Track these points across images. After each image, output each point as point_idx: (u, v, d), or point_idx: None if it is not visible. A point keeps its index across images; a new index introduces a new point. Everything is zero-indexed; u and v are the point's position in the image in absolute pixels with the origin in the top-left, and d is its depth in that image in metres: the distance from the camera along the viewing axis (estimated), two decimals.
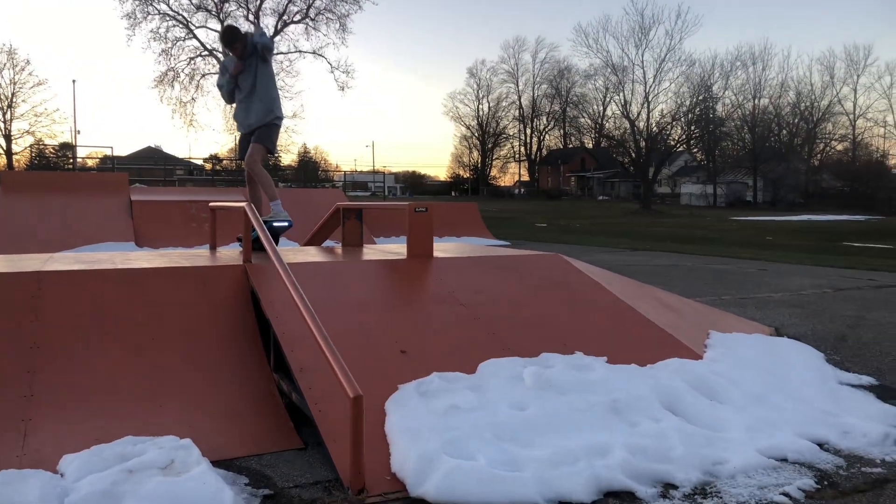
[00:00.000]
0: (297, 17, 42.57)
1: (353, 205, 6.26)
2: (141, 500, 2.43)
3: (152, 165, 51.05)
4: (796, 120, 69.37)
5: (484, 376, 3.58)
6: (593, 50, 61.86)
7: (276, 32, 42.19)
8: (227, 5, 41.85)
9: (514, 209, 44.40)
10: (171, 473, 2.62)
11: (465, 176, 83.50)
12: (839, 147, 70.29)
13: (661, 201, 62.42)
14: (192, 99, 42.40)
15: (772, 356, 4.47)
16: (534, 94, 78.46)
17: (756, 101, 66.65)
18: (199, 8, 41.43)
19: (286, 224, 5.90)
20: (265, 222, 5.64)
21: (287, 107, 42.08)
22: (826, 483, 2.85)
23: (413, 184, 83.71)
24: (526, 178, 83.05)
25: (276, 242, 5.61)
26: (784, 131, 69.93)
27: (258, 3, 42.65)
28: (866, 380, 4.39)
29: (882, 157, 69.48)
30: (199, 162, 53.68)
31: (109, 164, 40.15)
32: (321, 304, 4.03)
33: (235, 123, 6.15)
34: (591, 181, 79.17)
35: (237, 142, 6.71)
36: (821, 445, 3.21)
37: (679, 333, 4.52)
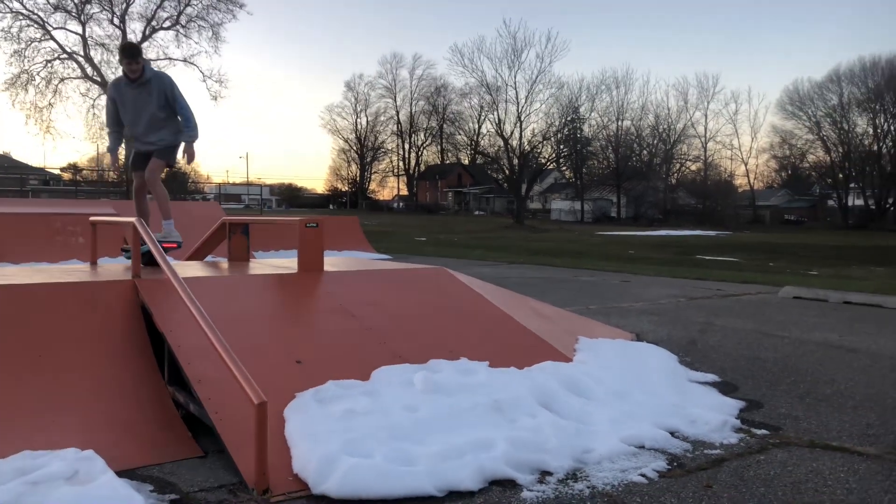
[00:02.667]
0: (167, 24, 40.94)
1: (240, 219, 6.32)
2: None
3: (1, 174, 47.30)
4: (655, 141, 74.36)
5: (377, 382, 3.83)
6: (468, 69, 63.71)
7: (144, 38, 40.32)
8: (88, 6, 39.68)
9: (394, 223, 44.79)
10: (76, 483, 2.69)
11: (343, 189, 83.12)
12: (693, 167, 75.98)
13: (533, 216, 64.95)
14: (50, 104, 39.83)
15: (632, 358, 4.99)
16: (411, 109, 79.53)
17: (619, 122, 70.95)
18: (56, 8, 38.98)
19: (177, 244, 5.89)
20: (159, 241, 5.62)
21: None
22: (675, 464, 3.32)
23: (289, 196, 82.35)
24: (405, 192, 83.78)
25: None
26: (644, 151, 74.76)
27: (123, 6, 40.73)
28: (711, 377, 5.00)
29: (729, 177, 75.80)
30: (56, 171, 50.31)
31: None
32: (216, 317, 4.12)
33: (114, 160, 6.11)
34: (467, 196, 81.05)
35: (128, 153, 6.45)
36: (672, 433, 3.69)
37: (552, 339, 4.96)
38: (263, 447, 2.91)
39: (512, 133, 53.85)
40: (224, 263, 6.17)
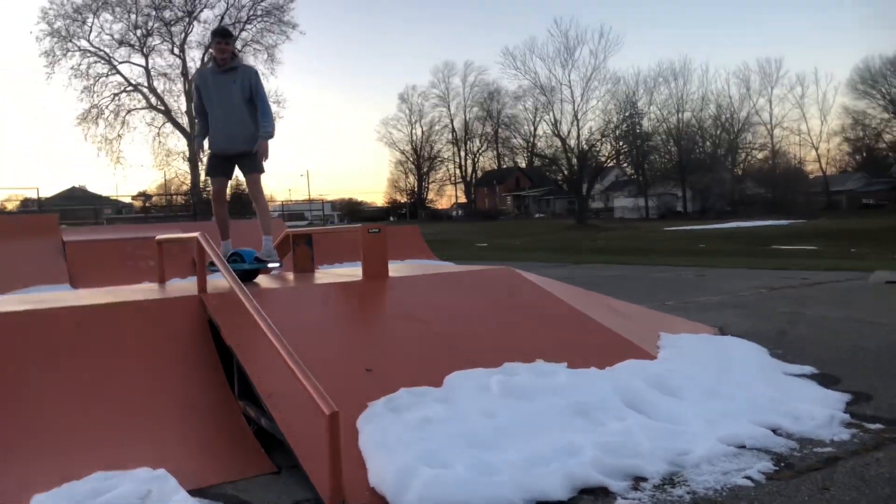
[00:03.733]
0: None
1: (303, 231, 6.26)
2: None
3: (77, 206, 49.35)
4: (718, 131, 72.25)
5: (451, 388, 3.65)
6: (521, 72, 63.20)
7: (203, 66, 41.66)
8: (150, 39, 41.17)
9: (454, 230, 44.73)
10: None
11: (402, 200, 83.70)
12: (760, 156, 73.47)
13: (596, 216, 63.91)
14: (119, 136, 41.46)
15: (719, 353, 4.68)
16: (465, 117, 79.54)
17: (679, 114, 69.18)
18: (121, 43, 40.61)
19: (278, 265, 5.78)
20: (258, 259, 5.55)
21: None
22: (783, 465, 3.02)
23: (350, 211, 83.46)
24: (463, 199, 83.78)
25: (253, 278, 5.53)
26: (708, 143, 72.70)
27: (183, 36, 42.11)
28: (808, 369, 4.63)
29: (799, 163, 73.00)
30: (128, 200, 52.21)
31: (32, 206, 38.72)
32: (283, 328, 4.02)
33: (211, 141, 5.71)
34: (526, 200, 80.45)
35: (207, 160, 6.09)
36: (774, 431, 3.38)
37: (632, 336, 4.69)
38: (337, 460, 2.77)
39: (569, 132, 53.22)
40: (289, 275, 6.11)
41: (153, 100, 42.09)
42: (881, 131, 67.22)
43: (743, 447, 3.21)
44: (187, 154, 41.70)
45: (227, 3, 41.80)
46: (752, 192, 69.03)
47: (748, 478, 2.87)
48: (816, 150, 73.02)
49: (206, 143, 5.79)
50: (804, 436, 3.35)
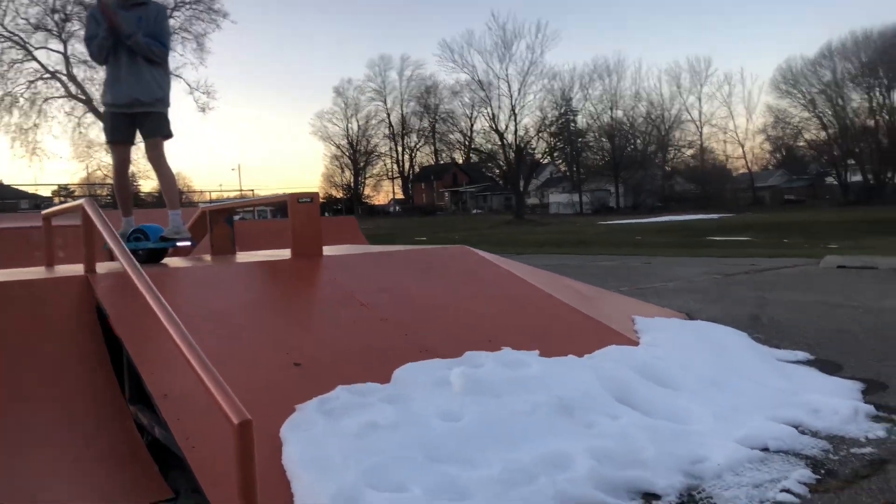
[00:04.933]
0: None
1: (222, 205, 5.41)
2: None
3: None
4: (650, 129, 73.38)
5: (402, 385, 2.92)
6: (459, 65, 62.40)
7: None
8: (69, 25, 38.67)
9: (393, 225, 43.84)
10: None
11: (338, 196, 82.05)
12: (689, 153, 74.96)
13: (532, 211, 63.97)
14: (35, 125, 38.83)
15: (704, 338, 4.09)
16: (402, 111, 78.46)
17: (613, 111, 69.93)
18: (37, 28, 37.99)
19: (189, 243, 4.82)
20: (165, 238, 4.64)
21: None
22: (823, 472, 2.41)
23: (284, 206, 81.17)
24: (400, 195, 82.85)
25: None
26: (639, 140, 73.78)
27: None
28: (802, 355, 4.11)
29: (725, 160, 74.92)
30: (48, 194, 49.18)
31: None
32: (193, 314, 3.25)
33: (110, 96, 4.62)
34: (464, 195, 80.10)
35: (106, 120, 4.78)
36: (797, 428, 2.79)
37: (607, 320, 4.06)
38: (251, 485, 1.99)
39: (507, 127, 52.96)
40: (205, 257, 5.25)
41: (73, 88, 39.59)
42: (801, 129, 69.52)
43: (766, 450, 2.59)
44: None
45: None
46: (681, 187, 70.52)
47: (787, 491, 2.25)
48: (742, 147, 75.18)
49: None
50: (832, 433, 2.77)
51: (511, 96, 54.03)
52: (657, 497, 2.26)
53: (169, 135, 4.77)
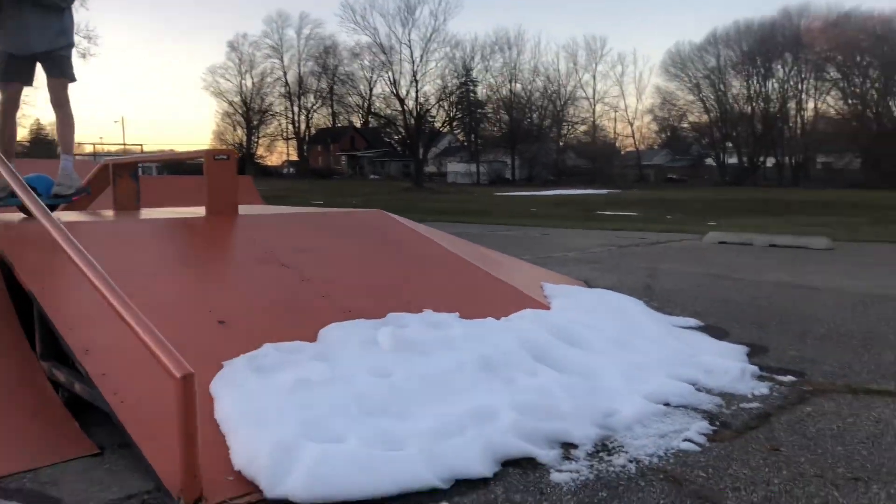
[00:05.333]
0: None
1: (127, 159, 5.19)
2: None
3: None
4: (546, 103, 75.02)
5: (329, 343, 2.98)
6: (361, 26, 61.44)
7: None
8: None
9: (287, 188, 42.83)
10: None
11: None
12: (582, 129, 77.33)
13: (430, 179, 64.25)
14: None
15: (608, 304, 4.36)
16: (300, 70, 76.28)
17: (511, 84, 70.93)
18: None
19: (85, 192, 4.59)
20: (58, 195, 4.37)
21: None
22: (718, 424, 2.68)
23: (172, 164, 77.54)
24: (295, 157, 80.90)
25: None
26: (536, 114, 75.33)
27: None
28: (692, 322, 4.44)
29: (615, 138, 77.90)
30: None
31: None
32: (107, 270, 3.14)
33: (11, 42, 4.30)
34: (361, 160, 79.21)
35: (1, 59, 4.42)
36: (693, 386, 3.06)
37: (520, 286, 4.24)
38: (193, 438, 2.01)
39: (408, 93, 52.72)
40: (107, 213, 5.04)
41: None
42: (685, 112, 73.15)
43: (668, 405, 2.84)
44: None
45: None
46: (573, 162, 72.81)
47: (689, 440, 2.49)
48: (631, 126, 78.18)
49: None
50: (724, 390, 3.05)
51: (413, 62, 53.86)
52: (575, 446, 2.44)
53: (73, 78, 4.54)
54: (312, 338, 3.04)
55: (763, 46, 65.56)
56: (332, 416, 2.38)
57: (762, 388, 3.09)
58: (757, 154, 67.80)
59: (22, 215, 4.22)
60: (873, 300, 5.29)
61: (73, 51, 4.64)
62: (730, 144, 70.58)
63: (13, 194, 3.82)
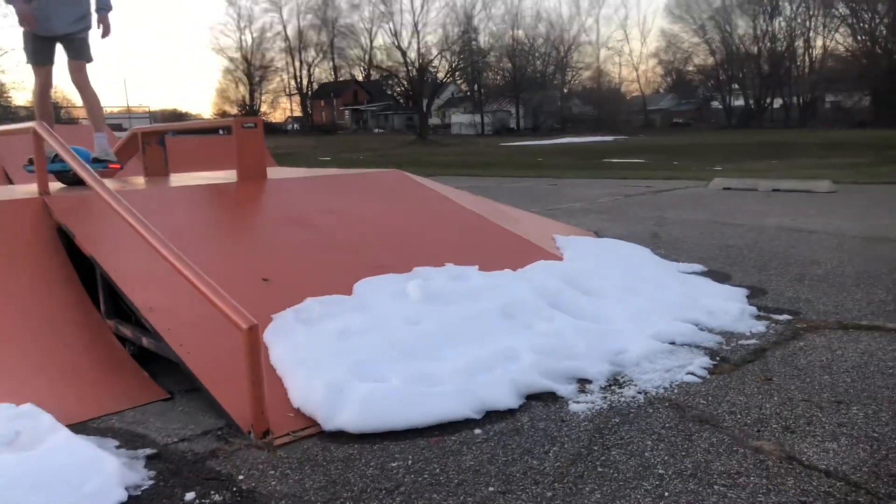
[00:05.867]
0: None
1: (156, 127, 5.43)
2: None
3: None
4: (549, 50, 74.03)
5: (364, 296, 3.28)
6: None
7: None
8: None
9: (292, 144, 42.88)
10: (21, 448, 2.04)
11: (232, 112, 78.71)
12: (586, 75, 76.44)
13: (434, 132, 63.97)
14: None
15: (616, 253, 4.64)
16: (299, 24, 75.29)
17: (514, 31, 69.92)
18: None
19: (120, 165, 4.89)
20: (95, 159, 4.65)
21: (12, 37, 35.81)
22: (718, 359, 2.98)
23: (175, 122, 77.16)
24: (298, 113, 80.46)
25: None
26: (539, 61, 74.42)
27: None
28: (697, 267, 4.73)
29: (620, 83, 77.04)
30: None
31: None
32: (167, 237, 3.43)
33: (31, 19, 4.47)
34: (365, 114, 78.75)
35: (28, 42, 4.67)
36: (697, 326, 3.36)
37: (533, 238, 4.52)
38: (259, 380, 2.33)
39: (409, 44, 52.17)
40: (139, 179, 5.31)
41: None
42: (690, 55, 72.07)
43: (674, 343, 3.14)
44: None
45: None
46: (578, 110, 72.14)
47: (692, 374, 2.79)
48: (636, 70, 77.19)
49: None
50: (724, 329, 3.35)
51: (413, 12, 53.15)
52: (589, 381, 2.76)
53: (91, 59, 4.80)
54: (348, 291, 3.34)
55: None
56: (374, 360, 2.69)
57: (759, 327, 3.39)
58: (763, 95, 66.98)
59: (60, 185, 4.51)
60: (870, 242, 5.55)
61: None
62: (736, 86, 69.71)
63: (56, 159, 4.11)
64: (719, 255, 5.23)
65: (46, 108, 4.92)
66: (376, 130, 72.30)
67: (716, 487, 1.92)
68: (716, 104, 72.46)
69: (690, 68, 74.10)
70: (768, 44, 66.82)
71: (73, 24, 4.60)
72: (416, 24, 52.02)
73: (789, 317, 3.55)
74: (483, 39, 64.61)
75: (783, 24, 65.11)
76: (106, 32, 4.66)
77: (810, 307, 3.73)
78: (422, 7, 52.73)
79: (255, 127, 4.52)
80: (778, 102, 66.28)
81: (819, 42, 63.63)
